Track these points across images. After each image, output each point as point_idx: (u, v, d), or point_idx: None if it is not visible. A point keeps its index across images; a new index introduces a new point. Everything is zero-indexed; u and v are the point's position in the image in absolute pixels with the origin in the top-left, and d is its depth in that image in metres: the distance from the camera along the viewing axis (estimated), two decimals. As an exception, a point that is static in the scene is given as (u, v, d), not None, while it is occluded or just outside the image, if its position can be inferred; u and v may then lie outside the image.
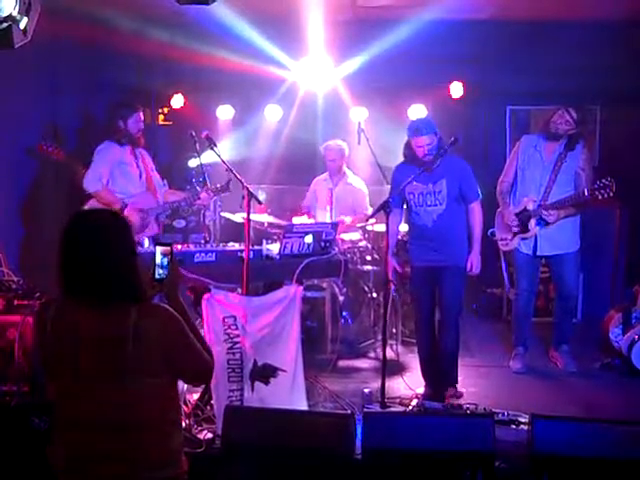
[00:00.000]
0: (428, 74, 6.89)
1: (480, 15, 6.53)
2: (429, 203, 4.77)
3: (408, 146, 4.81)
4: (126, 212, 4.98)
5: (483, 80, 6.97)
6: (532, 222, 5.20)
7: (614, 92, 6.56)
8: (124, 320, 2.25)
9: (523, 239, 5.29)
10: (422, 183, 4.75)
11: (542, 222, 5.18)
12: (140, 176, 5.22)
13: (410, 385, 5.01)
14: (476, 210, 4.81)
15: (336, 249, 4.89)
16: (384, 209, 4.50)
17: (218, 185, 5.11)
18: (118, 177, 5.14)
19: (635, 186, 6.56)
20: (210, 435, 3.86)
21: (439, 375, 4.89)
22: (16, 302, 4.17)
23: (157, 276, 2.53)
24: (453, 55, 6.79)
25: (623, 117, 6.80)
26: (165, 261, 2.53)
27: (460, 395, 4.80)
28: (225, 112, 7.40)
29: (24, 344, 3.93)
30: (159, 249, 2.55)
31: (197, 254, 4.20)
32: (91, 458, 2.28)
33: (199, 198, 5.18)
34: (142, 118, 5.26)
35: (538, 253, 5.30)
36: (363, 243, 6.07)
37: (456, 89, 7.09)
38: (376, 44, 6.60)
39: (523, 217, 5.24)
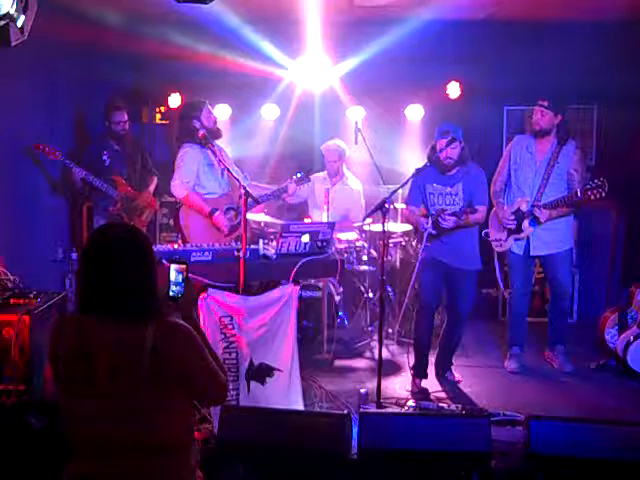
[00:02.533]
0: (425, 74, 6.89)
1: (477, 15, 6.53)
2: (448, 203, 4.96)
3: (433, 148, 4.97)
4: (215, 217, 5.01)
5: (480, 80, 6.97)
6: (525, 223, 5.22)
7: (611, 92, 6.57)
8: (142, 337, 2.21)
9: (516, 239, 5.31)
10: (442, 185, 4.99)
11: (535, 222, 5.21)
12: (222, 174, 5.14)
13: (406, 385, 5.02)
14: (481, 209, 4.98)
15: (333, 249, 4.89)
16: (381, 209, 4.54)
17: (299, 175, 5.25)
18: (204, 180, 5.09)
19: (632, 186, 6.58)
20: (206, 435, 3.87)
21: (441, 361, 5.20)
22: (12, 301, 4.16)
23: (171, 293, 2.51)
24: (450, 55, 6.80)
25: (620, 117, 6.80)
26: (180, 278, 2.51)
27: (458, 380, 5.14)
28: (222, 111, 7.39)
29: (20, 343, 3.92)
30: (173, 266, 2.52)
31: (194, 253, 4.19)
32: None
33: (286, 191, 5.23)
34: (211, 110, 5.22)
35: (531, 253, 5.33)
36: (360, 243, 6.08)
37: (453, 89, 7.10)
38: (373, 44, 6.61)
39: (517, 217, 5.26)
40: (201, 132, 4.86)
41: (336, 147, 6.33)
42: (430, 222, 4.85)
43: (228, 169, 4.78)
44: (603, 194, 4.86)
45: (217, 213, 5.02)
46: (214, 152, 5.08)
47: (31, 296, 4.24)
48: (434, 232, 4.85)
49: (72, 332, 2.28)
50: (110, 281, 2.25)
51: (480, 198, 4.99)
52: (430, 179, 5.00)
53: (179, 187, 5.03)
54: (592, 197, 4.90)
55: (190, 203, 5.04)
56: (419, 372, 5.04)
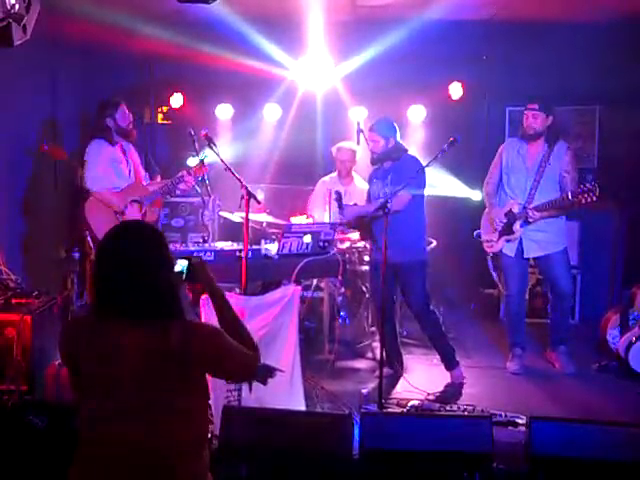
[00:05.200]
0: (427, 74, 6.89)
1: (480, 15, 6.53)
2: (382, 197, 4.96)
3: None
4: (127, 211, 5.07)
5: (482, 81, 6.97)
6: (517, 224, 5.23)
7: (613, 93, 6.57)
8: (169, 337, 2.19)
9: (508, 241, 5.32)
10: (379, 179, 5.14)
11: (526, 223, 5.21)
12: (129, 173, 5.28)
13: (407, 386, 5.02)
14: (399, 197, 4.77)
15: (334, 249, 4.89)
16: (382, 210, 4.55)
17: (197, 165, 5.15)
18: (111, 175, 5.17)
19: (634, 187, 6.58)
20: (208, 435, 3.86)
21: (394, 360, 5.24)
22: (14, 301, 4.18)
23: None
24: (452, 55, 6.79)
25: (622, 118, 6.81)
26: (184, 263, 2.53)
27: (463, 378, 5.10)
28: (224, 111, 7.39)
29: (22, 343, 3.93)
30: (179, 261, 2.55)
31: (195, 253, 4.19)
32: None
33: (183, 181, 5.16)
34: (127, 111, 5.29)
35: (525, 255, 5.33)
36: (361, 243, 6.06)
37: (455, 90, 7.10)
38: (375, 44, 6.60)
39: (508, 219, 5.26)
40: (203, 132, 4.82)
41: (350, 147, 6.32)
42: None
43: (230, 169, 4.72)
44: (594, 198, 4.84)
45: (128, 209, 5.10)
46: (124, 150, 5.26)
47: (33, 296, 4.25)
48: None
49: (92, 334, 2.24)
50: (129, 280, 2.21)
51: (409, 186, 4.84)
52: (374, 176, 5.25)
53: (94, 180, 5.09)
54: (583, 200, 4.88)
55: (103, 197, 5.09)
56: (390, 364, 5.18)
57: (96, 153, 5.16)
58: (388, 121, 5.22)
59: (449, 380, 5.10)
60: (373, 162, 5.19)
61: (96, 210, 5.10)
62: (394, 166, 5.08)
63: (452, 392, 4.93)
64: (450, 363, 5.14)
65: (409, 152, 5.22)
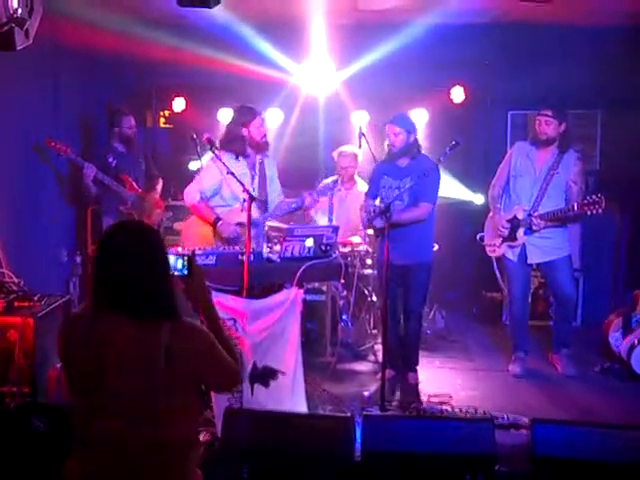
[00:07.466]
0: (429, 78, 6.91)
1: (481, 19, 6.54)
2: (396, 197, 4.95)
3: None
4: (219, 225, 4.77)
5: (484, 85, 6.98)
6: (520, 231, 5.23)
7: (615, 96, 6.58)
8: (156, 338, 2.21)
9: (510, 247, 5.31)
10: (393, 178, 5.10)
11: (529, 231, 5.21)
12: (252, 188, 4.84)
13: (409, 388, 5.02)
14: (422, 207, 4.99)
15: (336, 252, 4.90)
16: (385, 213, 4.56)
17: (321, 186, 4.96)
18: (226, 188, 4.82)
19: (636, 190, 6.58)
20: (209, 437, 3.87)
21: (403, 360, 5.27)
22: (17, 303, 4.18)
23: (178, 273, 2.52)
24: (454, 59, 6.80)
25: (624, 121, 6.81)
26: (180, 264, 2.53)
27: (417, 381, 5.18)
28: (226, 115, 7.40)
29: (24, 345, 3.94)
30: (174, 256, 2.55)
31: (197, 257, 4.19)
32: (109, 476, 2.24)
33: (303, 203, 4.92)
34: (263, 122, 4.94)
35: (528, 261, 5.33)
36: (363, 247, 6.07)
37: (457, 93, 7.11)
38: (377, 48, 6.61)
39: (512, 225, 5.26)
40: (206, 136, 4.82)
41: (350, 152, 6.32)
42: (365, 220, 5.15)
43: (232, 173, 4.69)
44: (600, 210, 4.83)
45: (220, 222, 4.79)
46: (253, 165, 4.93)
47: (35, 299, 4.26)
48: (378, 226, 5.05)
49: (85, 330, 2.28)
50: (125, 279, 2.24)
51: (425, 194, 4.98)
52: (384, 171, 5.17)
53: (190, 194, 4.84)
54: (588, 212, 4.87)
55: (197, 212, 4.89)
56: (391, 365, 5.15)
57: (212, 169, 4.80)
58: (409, 116, 5.25)
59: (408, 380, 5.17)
60: (392, 158, 5.10)
61: (194, 228, 4.87)
62: (412, 167, 5.01)
63: (454, 394, 4.92)
64: (413, 366, 5.24)
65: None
